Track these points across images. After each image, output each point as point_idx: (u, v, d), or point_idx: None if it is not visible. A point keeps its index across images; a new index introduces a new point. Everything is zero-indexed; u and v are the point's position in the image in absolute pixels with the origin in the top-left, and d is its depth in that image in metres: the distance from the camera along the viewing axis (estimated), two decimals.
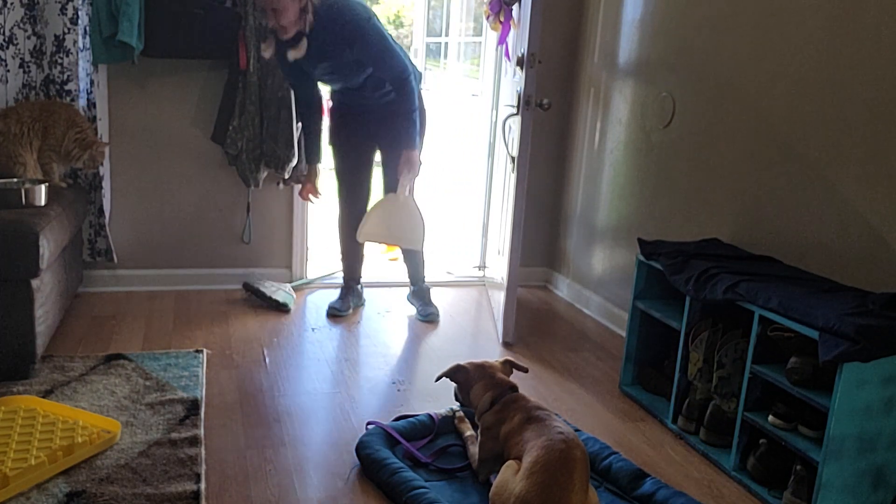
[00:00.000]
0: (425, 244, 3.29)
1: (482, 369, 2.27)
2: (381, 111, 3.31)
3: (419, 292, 3.68)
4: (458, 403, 2.46)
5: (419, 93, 3.30)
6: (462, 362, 2.31)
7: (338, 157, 3.49)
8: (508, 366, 2.34)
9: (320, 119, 3.46)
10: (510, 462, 2.00)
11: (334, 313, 3.58)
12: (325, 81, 3.32)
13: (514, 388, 2.22)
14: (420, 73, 3.37)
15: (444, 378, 2.32)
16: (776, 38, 2.68)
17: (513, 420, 2.09)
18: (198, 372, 2.78)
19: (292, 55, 3.07)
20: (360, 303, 3.75)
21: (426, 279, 3.74)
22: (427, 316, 3.60)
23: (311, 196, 3.51)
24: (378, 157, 3.48)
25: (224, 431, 2.41)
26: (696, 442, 2.50)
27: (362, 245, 3.61)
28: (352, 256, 3.66)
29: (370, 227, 3.24)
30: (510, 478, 1.93)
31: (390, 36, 3.15)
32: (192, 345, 3.08)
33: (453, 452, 2.37)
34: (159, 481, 2.06)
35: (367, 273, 4.29)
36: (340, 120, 3.43)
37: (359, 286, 3.73)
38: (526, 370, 2.38)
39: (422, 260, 3.66)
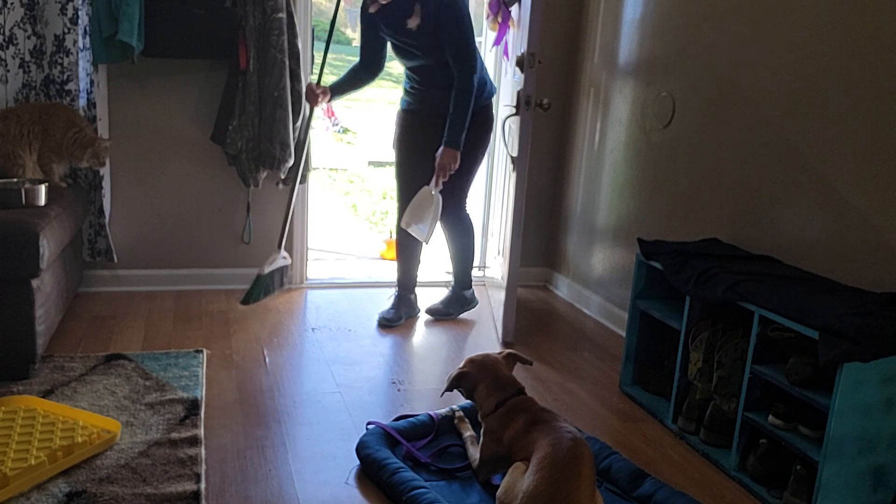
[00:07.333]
0: (428, 238, 3.27)
1: (485, 369, 2.24)
2: (445, 118, 3.24)
3: (451, 295, 3.64)
4: (460, 403, 2.46)
5: (489, 105, 3.35)
6: (464, 363, 2.29)
7: (399, 164, 3.47)
8: (512, 360, 2.31)
9: (366, 80, 3.47)
10: (518, 463, 2.00)
11: (385, 324, 3.47)
12: (397, 54, 3.31)
13: (520, 390, 2.20)
14: (493, 87, 3.39)
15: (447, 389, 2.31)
16: (776, 38, 2.68)
17: (517, 423, 2.08)
18: (198, 372, 2.78)
19: (412, 23, 3.12)
20: (412, 313, 3.62)
21: (468, 287, 3.64)
22: (432, 311, 3.59)
23: (319, 99, 3.39)
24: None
25: (224, 431, 2.41)
26: (696, 442, 2.50)
27: (417, 252, 3.53)
28: (405, 263, 3.56)
29: (405, 217, 3.32)
30: (518, 478, 1.93)
31: (476, 48, 3.20)
32: (192, 345, 3.08)
33: (453, 452, 2.37)
34: (159, 481, 2.06)
35: (366, 273, 4.29)
36: (408, 124, 3.42)
37: (412, 296, 3.62)
38: (530, 363, 2.35)
39: (466, 264, 3.58)
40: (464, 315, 3.70)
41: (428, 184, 3.29)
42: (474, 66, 3.15)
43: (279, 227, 3.84)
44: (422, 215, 3.27)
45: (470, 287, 3.66)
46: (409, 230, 3.32)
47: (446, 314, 3.61)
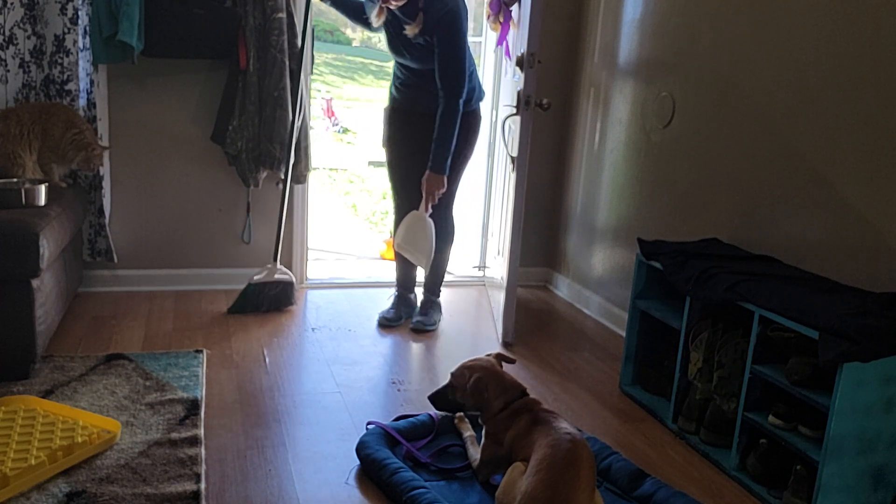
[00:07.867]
0: (427, 265, 3.26)
1: (488, 371, 2.24)
2: (430, 116, 3.21)
3: (425, 302, 3.56)
4: (439, 410, 2.42)
5: (476, 110, 3.31)
6: (463, 370, 2.27)
7: (391, 163, 3.45)
8: (499, 360, 2.34)
9: (362, 24, 3.39)
10: (517, 464, 2.00)
11: (385, 324, 3.46)
12: (391, 47, 3.28)
13: (524, 392, 2.22)
14: (482, 92, 3.36)
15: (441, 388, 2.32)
16: (776, 38, 2.68)
17: (519, 424, 2.09)
18: (198, 372, 2.78)
19: (409, 31, 3.08)
20: (412, 313, 3.57)
21: (438, 294, 3.59)
22: (416, 323, 3.45)
23: None
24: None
25: (224, 431, 2.41)
26: (696, 442, 2.50)
27: None
28: (403, 262, 3.54)
29: (398, 238, 3.30)
30: (517, 478, 1.94)
31: (470, 54, 3.18)
32: (192, 345, 3.08)
33: (453, 452, 2.37)
34: (159, 481, 2.06)
35: (366, 273, 4.29)
36: (397, 123, 3.40)
37: (411, 295, 3.62)
38: (513, 361, 2.40)
39: (442, 269, 3.54)
40: (464, 316, 3.70)
41: (421, 180, 3.29)
42: (461, 90, 3.12)
43: (279, 228, 3.85)
44: (415, 240, 3.24)
45: (439, 294, 3.60)
46: (405, 254, 3.31)
47: (432, 325, 3.49)
